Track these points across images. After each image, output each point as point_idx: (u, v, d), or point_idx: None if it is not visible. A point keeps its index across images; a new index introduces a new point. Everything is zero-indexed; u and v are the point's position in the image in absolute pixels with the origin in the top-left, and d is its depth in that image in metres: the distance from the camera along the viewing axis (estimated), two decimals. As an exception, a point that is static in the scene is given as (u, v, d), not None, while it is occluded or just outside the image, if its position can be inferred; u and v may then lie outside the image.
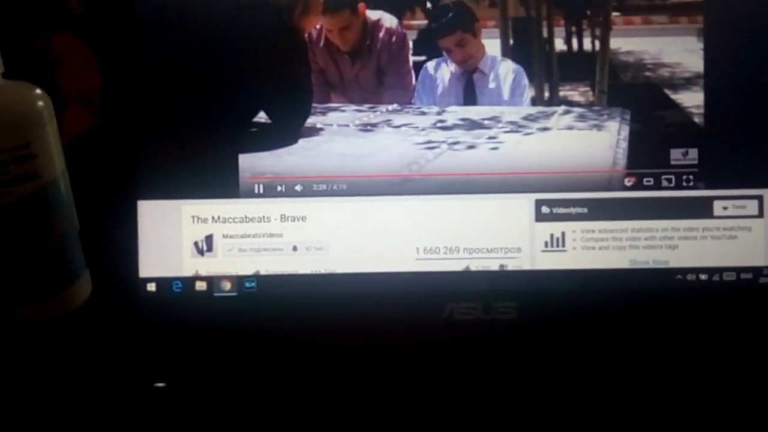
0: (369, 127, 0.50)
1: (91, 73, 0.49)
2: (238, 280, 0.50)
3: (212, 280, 0.50)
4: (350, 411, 0.46)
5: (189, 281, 0.50)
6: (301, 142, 0.50)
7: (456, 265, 0.50)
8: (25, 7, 0.59)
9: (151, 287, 0.50)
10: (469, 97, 0.51)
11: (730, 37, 0.49)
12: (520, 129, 0.50)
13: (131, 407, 0.46)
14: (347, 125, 0.50)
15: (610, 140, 0.49)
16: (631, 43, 0.50)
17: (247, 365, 0.48)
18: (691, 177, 0.49)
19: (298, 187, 0.50)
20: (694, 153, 0.49)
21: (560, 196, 0.49)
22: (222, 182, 0.49)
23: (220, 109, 0.49)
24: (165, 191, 0.49)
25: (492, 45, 0.51)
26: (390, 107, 0.51)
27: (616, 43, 0.50)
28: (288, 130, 0.50)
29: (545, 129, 0.50)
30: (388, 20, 0.51)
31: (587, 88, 0.51)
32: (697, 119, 0.49)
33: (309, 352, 0.49)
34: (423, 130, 0.50)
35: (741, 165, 0.49)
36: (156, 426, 0.45)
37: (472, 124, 0.50)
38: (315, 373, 0.48)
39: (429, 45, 0.51)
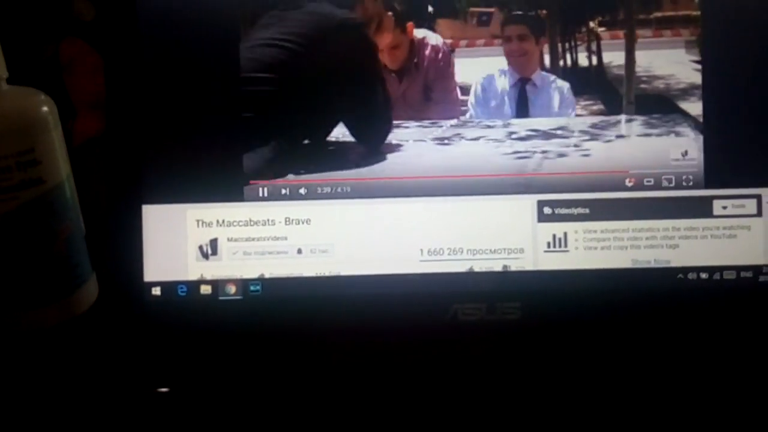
0: (446, 141, 0.51)
1: (101, 78, 0.49)
2: (243, 284, 0.50)
3: (217, 284, 0.50)
4: (356, 413, 0.46)
5: (194, 285, 0.50)
6: (390, 157, 0.51)
7: (460, 267, 0.50)
8: (34, 14, 0.59)
9: (156, 291, 0.50)
10: (522, 109, 0.52)
11: (727, 40, 0.49)
12: (597, 137, 0.50)
13: (137, 411, 0.46)
14: (423, 140, 0.51)
15: (690, 144, 0.50)
16: (622, 57, 0.51)
17: (252, 369, 0.48)
18: (691, 177, 0.50)
19: (302, 191, 0.50)
20: (693, 153, 0.50)
21: (562, 197, 0.50)
22: (226, 186, 0.49)
23: (228, 114, 0.49)
24: (170, 195, 0.49)
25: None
26: (452, 122, 0.52)
27: (607, 57, 0.51)
28: (372, 146, 0.51)
29: (622, 136, 0.50)
30: (434, 38, 0.52)
31: (591, 102, 0.51)
32: (697, 121, 0.50)
33: (314, 355, 0.49)
34: (503, 141, 0.51)
35: (740, 165, 0.50)
36: (162, 430, 0.45)
37: (546, 135, 0.51)
38: (321, 375, 0.48)
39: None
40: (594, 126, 0.51)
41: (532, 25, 0.51)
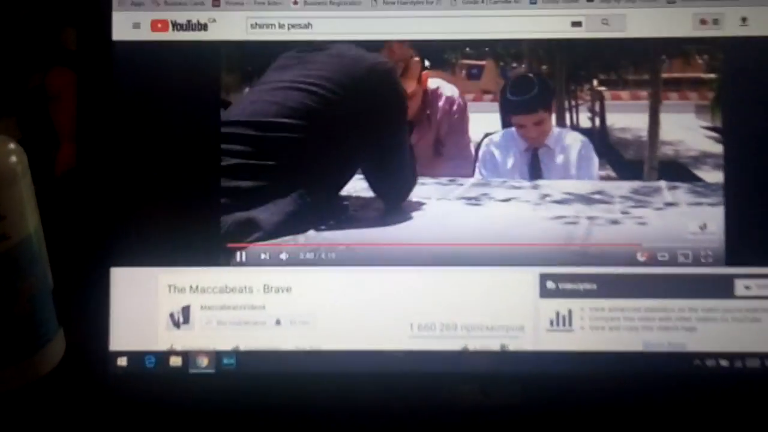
0: (473, 201, 0.47)
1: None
2: (216, 356, 0.46)
3: (188, 356, 0.46)
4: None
5: (163, 356, 0.46)
6: (415, 215, 0.47)
7: (453, 344, 0.46)
8: (22, 43, 0.58)
9: (122, 361, 0.46)
10: (535, 173, 0.49)
11: (751, 105, 0.46)
12: (646, 204, 0.46)
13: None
14: (446, 198, 0.47)
15: (710, 217, 0.46)
16: (625, 119, 0.47)
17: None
18: (710, 253, 0.46)
19: (283, 256, 0.46)
20: (713, 226, 0.46)
21: (567, 271, 0.46)
22: (202, 248, 0.46)
23: (201, 171, 0.46)
24: (140, 257, 0.46)
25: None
26: (473, 181, 0.48)
27: (609, 119, 0.48)
28: (393, 202, 0.48)
29: (672, 204, 0.46)
30: (449, 89, 0.49)
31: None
32: (718, 192, 0.46)
33: (291, 437, 0.46)
34: (538, 204, 0.47)
35: (764, 240, 0.46)
36: None
37: (585, 199, 0.47)
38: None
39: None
40: (636, 191, 0.47)
41: (545, 103, 0.47)
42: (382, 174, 0.49)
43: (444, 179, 0.48)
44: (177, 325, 0.46)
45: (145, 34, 0.46)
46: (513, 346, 0.46)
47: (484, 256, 0.46)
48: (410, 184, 0.48)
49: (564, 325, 0.46)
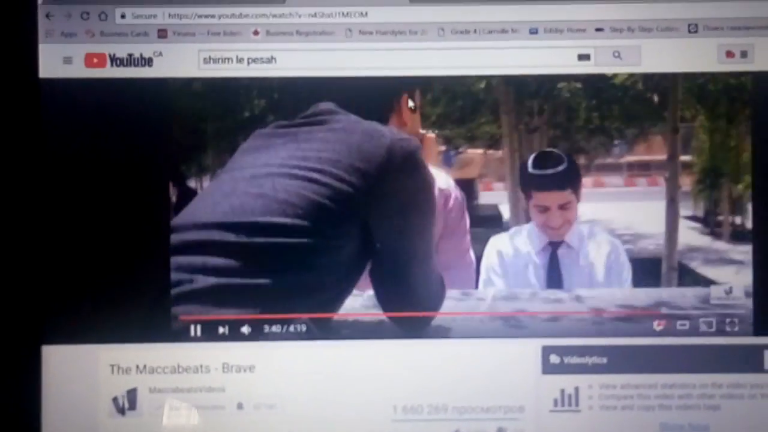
0: (512, 323, 0.40)
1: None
2: None
3: None
4: None
5: None
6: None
7: (443, 428, 0.41)
8: None
9: (56, 456, 0.41)
10: (554, 278, 0.43)
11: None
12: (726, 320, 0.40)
13: None
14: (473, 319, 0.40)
15: (736, 280, 0.41)
16: (593, 209, 0.42)
17: None
18: (736, 321, 0.41)
19: (245, 329, 0.40)
20: (739, 291, 0.41)
21: (573, 343, 0.41)
22: (150, 322, 0.40)
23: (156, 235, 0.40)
24: (77, 334, 0.41)
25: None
26: (494, 292, 0.41)
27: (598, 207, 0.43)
28: (413, 328, 0.40)
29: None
30: (442, 180, 0.40)
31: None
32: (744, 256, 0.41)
33: None
34: (601, 324, 0.40)
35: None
36: None
37: (666, 317, 0.40)
38: None
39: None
40: (668, 305, 0.42)
41: (575, 183, 0.41)
42: (402, 288, 0.39)
43: (455, 292, 0.40)
44: (122, 411, 0.41)
45: (78, 71, 0.40)
46: (512, 429, 0.41)
47: (478, 327, 0.41)
48: (435, 304, 0.39)
49: (570, 404, 0.41)
